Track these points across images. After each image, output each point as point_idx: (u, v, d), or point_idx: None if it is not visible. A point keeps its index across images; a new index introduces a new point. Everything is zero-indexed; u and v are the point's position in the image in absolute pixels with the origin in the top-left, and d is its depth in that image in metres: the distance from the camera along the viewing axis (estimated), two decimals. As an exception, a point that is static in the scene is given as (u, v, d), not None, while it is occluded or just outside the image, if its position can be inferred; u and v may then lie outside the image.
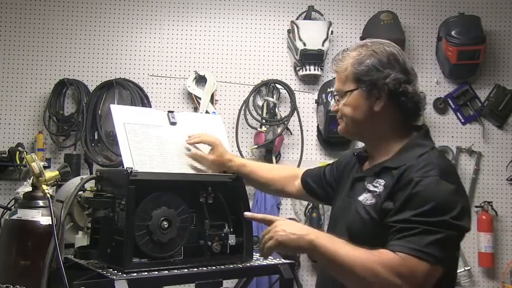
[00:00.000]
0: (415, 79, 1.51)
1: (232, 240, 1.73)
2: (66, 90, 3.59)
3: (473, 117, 3.82)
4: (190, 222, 1.71)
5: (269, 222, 1.50)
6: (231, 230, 1.74)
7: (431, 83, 3.84)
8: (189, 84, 3.64)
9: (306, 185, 1.89)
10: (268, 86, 3.67)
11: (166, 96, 3.69)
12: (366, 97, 1.50)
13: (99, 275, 1.56)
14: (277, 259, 1.89)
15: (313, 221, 3.52)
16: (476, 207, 3.71)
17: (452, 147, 3.68)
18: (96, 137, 3.48)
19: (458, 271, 3.64)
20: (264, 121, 3.62)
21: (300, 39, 3.55)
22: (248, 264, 1.82)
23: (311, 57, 3.60)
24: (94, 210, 1.68)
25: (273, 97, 3.66)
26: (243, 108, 3.63)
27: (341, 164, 1.78)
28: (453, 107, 3.82)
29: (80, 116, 3.48)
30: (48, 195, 1.59)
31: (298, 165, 3.55)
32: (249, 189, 3.43)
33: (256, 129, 3.62)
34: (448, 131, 3.80)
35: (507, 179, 3.78)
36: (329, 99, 3.47)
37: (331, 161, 1.92)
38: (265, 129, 3.60)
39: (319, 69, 3.63)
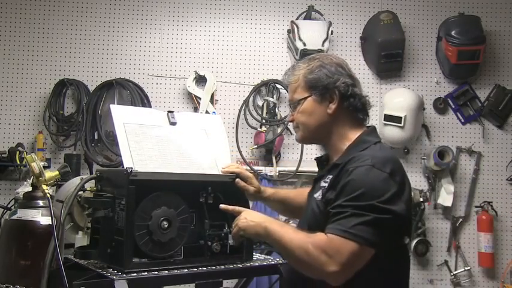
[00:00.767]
0: (358, 84, 1.69)
1: (232, 240, 1.74)
2: (66, 90, 3.59)
3: (473, 117, 3.82)
4: (190, 222, 1.71)
5: (238, 213, 1.70)
6: (231, 230, 1.74)
7: (431, 83, 3.84)
8: (189, 84, 3.64)
9: None
10: (268, 86, 3.67)
11: (166, 96, 3.69)
12: (319, 102, 1.65)
13: (99, 275, 1.56)
14: (277, 259, 1.90)
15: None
16: (476, 207, 3.71)
17: (452, 147, 3.68)
18: (96, 137, 3.48)
19: (458, 271, 3.67)
20: (264, 121, 3.62)
21: (300, 39, 3.55)
22: (248, 264, 1.82)
23: None
24: (94, 210, 1.68)
25: (273, 97, 3.66)
26: (243, 108, 3.63)
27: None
28: (453, 107, 3.82)
29: (80, 116, 3.48)
30: (48, 195, 1.59)
31: (298, 165, 3.55)
32: (249, 189, 3.44)
33: (256, 129, 3.62)
34: (448, 131, 3.81)
35: (507, 179, 3.78)
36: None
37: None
38: (265, 129, 3.60)
39: (319, 69, 3.63)
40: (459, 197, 3.75)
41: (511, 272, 3.67)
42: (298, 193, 2.02)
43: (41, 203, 1.66)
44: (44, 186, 1.61)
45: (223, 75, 3.73)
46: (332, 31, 3.62)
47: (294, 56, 3.66)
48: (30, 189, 1.72)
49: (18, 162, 3.32)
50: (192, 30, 3.75)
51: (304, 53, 3.52)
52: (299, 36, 3.56)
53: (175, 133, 1.88)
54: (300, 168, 3.55)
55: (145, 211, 1.62)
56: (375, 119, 3.71)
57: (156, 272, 1.61)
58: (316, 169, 1.82)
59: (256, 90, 3.66)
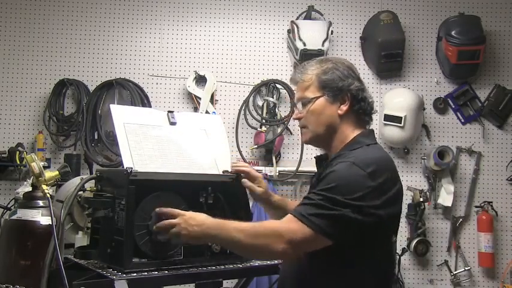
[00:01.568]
0: (365, 88, 1.74)
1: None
2: (66, 90, 3.59)
3: (473, 117, 3.82)
4: None
5: (174, 216, 1.60)
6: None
7: (431, 83, 3.84)
8: (189, 84, 3.64)
9: None
10: (268, 86, 3.67)
11: (166, 96, 3.69)
12: (330, 102, 1.67)
13: (99, 275, 1.56)
14: (277, 259, 1.90)
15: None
16: (476, 207, 3.71)
17: (452, 147, 3.68)
18: (96, 137, 3.48)
19: (458, 271, 3.66)
20: (264, 121, 3.62)
21: (300, 39, 3.55)
22: (248, 264, 1.82)
23: (311, 57, 3.48)
24: (94, 210, 1.68)
25: (273, 97, 3.66)
26: (243, 108, 3.63)
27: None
28: (453, 107, 3.82)
29: (80, 116, 3.48)
30: (48, 195, 1.59)
31: (298, 165, 3.55)
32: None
33: (256, 129, 3.62)
34: (448, 131, 3.81)
35: (507, 179, 3.78)
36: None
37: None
38: (265, 129, 3.60)
39: (319, 69, 3.63)
40: (459, 197, 3.75)
41: (511, 272, 3.67)
42: None
43: (41, 203, 1.66)
44: (44, 186, 1.61)
45: (223, 75, 3.73)
46: (332, 31, 3.62)
47: (294, 56, 3.66)
48: (30, 189, 1.72)
49: (18, 162, 3.32)
50: (192, 30, 3.75)
51: (304, 53, 3.52)
52: (299, 36, 3.55)
53: (175, 133, 1.88)
54: (300, 168, 3.55)
55: (145, 211, 1.62)
56: (375, 119, 3.71)
57: (156, 272, 1.61)
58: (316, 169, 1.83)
59: (256, 90, 3.66)
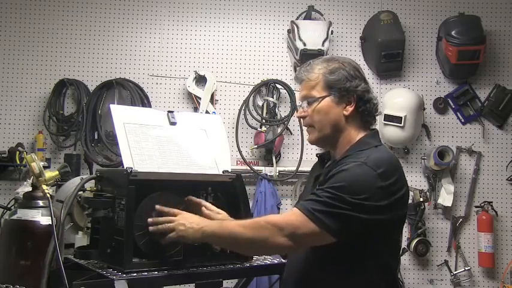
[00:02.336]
0: (371, 89, 1.75)
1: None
2: (66, 90, 3.59)
3: (473, 117, 3.82)
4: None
5: (174, 215, 1.62)
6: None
7: (431, 83, 3.84)
8: (189, 84, 3.64)
9: None
10: (268, 86, 3.67)
11: (166, 96, 3.69)
12: (336, 103, 1.66)
13: (99, 275, 1.56)
14: (277, 259, 1.90)
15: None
16: (476, 207, 3.71)
17: (452, 147, 3.68)
18: (96, 137, 3.48)
19: (458, 271, 3.66)
20: (264, 121, 3.62)
21: (300, 39, 3.55)
22: (248, 264, 1.82)
23: (311, 57, 3.46)
24: (94, 210, 1.68)
25: (273, 97, 3.66)
26: (243, 108, 3.63)
27: (309, 173, 1.91)
28: (453, 107, 3.82)
29: (80, 116, 3.48)
30: (48, 195, 1.59)
31: (298, 165, 3.55)
32: (249, 189, 3.45)
33: (256, 129, 3.62)
34: (448, 131, 3.80)
35: (507, 179, 3.78)
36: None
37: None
38: (265, 129, 3.60)
39: (319, 69, 3.63)
40: (459, 197, 3.75)
41: (511, 272, 3.67)
42: None
43: (41, 203, 1.66)
44: (44, 186, 1.61)
45: (223, 75, 3.73)
46: (332, 31, 3.62)
47: (294, 56, 3.66)
48: (30, 189, 1.72)
49: (18, 162, 3.32)
50: (192, 30, 3.75)
51: (304, 53, 3.52)
52: (299, 36, 3.55)
53: (175, 133, 1.88)
54: (300, 168, 3.55)
55: (145, 211, 1.62)
56: (375, 119, 3.72)
57: (156, 272, 1.61)
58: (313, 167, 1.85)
59: (256, 90, 3.66)
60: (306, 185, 1.91)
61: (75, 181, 2.05)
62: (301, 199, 1.83)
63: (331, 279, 1.57)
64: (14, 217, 1.64)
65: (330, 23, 3.64)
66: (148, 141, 1.78)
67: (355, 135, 1.67)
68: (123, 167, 1.66)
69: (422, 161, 3.72)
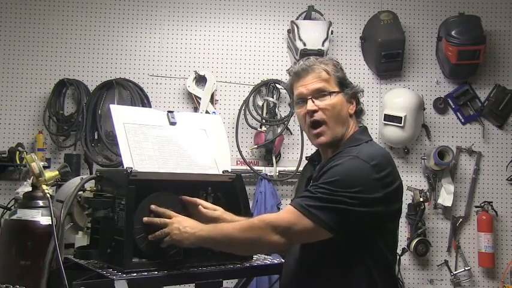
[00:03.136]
0: None
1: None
2: (66, 90, 3.59)
3: (473, 117, 3.82)
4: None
5: (168, 217, 1.62)
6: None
7: (431, 83, 3.83)
8: (189, 84, 3.64)
9: None
10: (268, 86, 3.67)
11: (166, 96, 3.69)
12: (346, 101, 1.67)
13: (99, 275, 1.56)
14: (277, 259, 1.90)
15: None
16: (476, 207, 3.71)
17: (452, 147, 3.68)
18: (96, 137, 3.48)
19: (458, 271, 3.66)
20: (264, 121, 3.62)
21: (300, 39, 3.55)
22: (248, 264, 1.82)
23: None
24: (94, 210, 1.68)
25: (273, 97, 3.66)
26: (243, 108, 3.63)
27: (299, 177, 1.93)
28: (453, 107, 3.82)
29: (80, 116, 3.48)
30: (48, 195, 1.59)
31: (298, 165, 3.55)
32: (249, 189, 3.45)
33: (256, 129, 3.62)
34: (448, 131, 3.80)
35: (507, 179, 3.78)
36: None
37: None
38: (265, 129, 3.60)
39: (319, 69, 3.63)
40: (459, 197, 3.75)
41: (511, 272, 3.67)
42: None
43: (41, 203, 1.66)
44: (44, 186, 1.61)
45: (223, 75, 3.73)
46: (332, 31, 3.62)
47: (294, 56, 3.66)
48: (30, 189, 1.72)
49: (18, 162, 3.32)
50: (192, 30, 3.75)
51: (304, 53, 3.51)
52: (299, 36, 3.55)
53: (175, 133, 1.88)
54: (300, 168, 3.55)
55: (144, 213, 1.61)
56: (375, 119, 3.72)
57: (156, 272, 1.61)
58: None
59: (256, 90, 3.66)
60: (297, 188, 1.90)
61: (75, 181, 2.05)
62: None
63: (330, 277, 1.57)
64: (14, 217, 1.64)
65: (330, 23, 3.64)
66: (148, 141, 1.78)
67: (351, 133, 1.68)
68: (123, 167, 1.66)
69: (422, 161, 3.72)
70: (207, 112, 3.57)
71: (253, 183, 3.61)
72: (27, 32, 3.64)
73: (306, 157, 1.84)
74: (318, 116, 1.63)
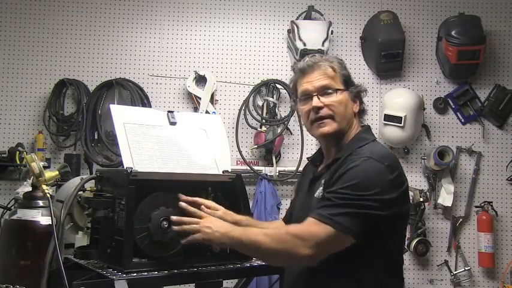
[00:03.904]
0: None
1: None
2: (66, 90, 3.59)
3: (473, 117, 3.82)
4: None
5: (199, 217, 1.60)
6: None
7: (431, 83, 3.83)
8: (189, 84, 3.64)
9: (287, 223, 1.85)
10: (268, 86, 3.67)
11: (166, 96, 3.69)
12: (351, 99, 1.67)
13: (99, 275, 1.56)
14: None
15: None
16: (476, 207, 3.71)
17: (452, 147, 3.68)
18: (96, 137, 3.48)
19: (458, 271, 3.66)
20: (264, 121, 3.62)
21: (300, 39, 3.55)
22: (248, 264, 1.82)
23: None
24: (94, 210, 1.68)
25: (273, 97, 3.66)
26: (243, 108, 3.63)
27: (300, 177, 1.90)
28: (453, 107, 3.82)
29: (80, 116, 3.48)
30: (48, 195, 1.59)
31: (298, 165, 3.54)
32: (249, 189, 3.45)
33: (256, 129, 3.62)
34: (448, 131, 3.80)
35: (507, 179, 3.78)
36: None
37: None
38: (265, 129, 3.60)
39: (319, 69, 3.63)
40: (459, 197, 3.75)
41: (511, 272, 3.67)
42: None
43: (41, 203, 1.66)
44: (44, 186, 1.61)
45: (223, 75, 3.73)
46: (332, 31, 3.62)
47: (294, 56, 3.66)
48: (30, 189, 1.72)
49: (18, 162, 3.31)
50: (192, 30, 3.75)
51: (304, 53, 3.51)
52: (299, 36, 3.55)
53: (175, 133, 1.88)
54: (300, 168, 3.55)
55: (144, 213, 1.61)
56: (375, 119, 3.72)
57: (156, 272, 1.61)
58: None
59: (256, 90, 3.66)
60: (298, 189, 1.87)
61: (75, 181, 2.05)
62: (296, 205, 1.81)
63: (339, 278, 1.55)
64: (14, 217, 1.64)
65: (330, 23, 3.64)
66: (148, 141, 1.78)
67: (354, 132, 1.68)
68: (123, 167, 1.66)
69: (422, 161, 3.72)
70: (207, 112, 3.57)
71: (253, 183, 3.62)
72: (27, 32, 3.64)
73: (307, 158, 1.83)
74: (324, 112, 1.63)
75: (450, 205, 3.65)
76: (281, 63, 3.78)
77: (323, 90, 1.63)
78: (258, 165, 3.62)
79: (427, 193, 3.64)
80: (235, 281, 2.14)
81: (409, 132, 3.54)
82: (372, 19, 3.74)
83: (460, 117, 3.82)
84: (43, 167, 1.65)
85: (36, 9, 3.66)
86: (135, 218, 1.59)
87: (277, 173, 3.59)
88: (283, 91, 3.66)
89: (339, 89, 1.64)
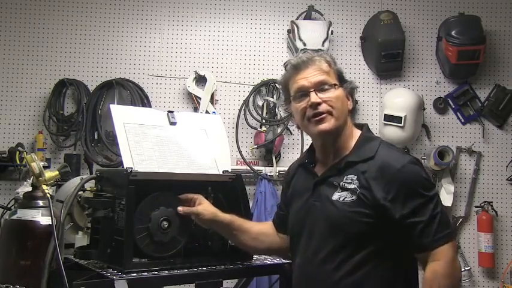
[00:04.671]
0: None
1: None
2: (66, 90, 3.59)
3: (473, 117, 3.82)
4: (190, 221, 1.71)
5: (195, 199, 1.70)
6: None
7: (431, 83, 3.83)
8: (189, 84, 3.64)
9: (277, 227, 1.84)
10: (268, 86, 3.67)
11: (166, 96, 3.69)
12: (345, 95, 1.63)
13: (99, 275, 1.56)
14: (278, 259, 1.90)
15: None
16: (476, 207, 3.71)
17: (452, 147, 3.67)
18: (96, 137, 3.47)
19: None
20: (264, 121, 3.62)
21: (300, 39, 3.55)
22: (248, 264, 1.82)
23: None
24: (94, 210, 1.68)
25: (273, 97, 3.66)
26: (243, 108, 3.63)
27: (289, 181, 1.81)
28: (453, 107, 3.82)
29: (80, 116, 3.48)
30: (48, 195, 1.59)
31: (298, 165, 3.54)
32: (249, 189, 3.45)
33: (256, 129, 3.62)
34: (448, 131, 3.80)
35: (507, 179, 3.78)
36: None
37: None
38: (265, 129, 3.60)
39: (319, 69, 3.63)
40: (459, 197, 3.74)
41: (511, 272, 3.67)
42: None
43: (41, 203, 1.66)
44: (44, 186, 1.61)
45: (223, 75, 3.73)
46: (332, 31, 3.62)
47: (294, 56, 3.66)
48: (30, 189, 1.72)
49: (18, 162, 3.31)
50: (192, 30, 3.75)
51: (304, 53, 3.51)
52: (299, 36, 3.55)
53: (175, 133, 1.88)
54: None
55: (144, 213, 1.62)
56: (375, 119, 3.72)
57: (156, 272, 1.61)
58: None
59: (256, 90, 3.66)
60: (293, 194, 1.74)
61: (75, 181, 2.05)
62: (293, 209, 1.72)
63: (372, 276, 1.54)
64: (14, 217, 1.64)
65: (330, 23, 3.64)
66: (148, 141, 1.78)
67: (353, 130, 1.66)
68: (123, 167, 1.66)
69: (423, 161, 3.72)
70: (207, 112, 3.57)
71: (253, 183, 3.61)
72: (27, 32, 3.64)
73: (299, 164, 1.75)
74: (323, 108, 1.57)
75: (450, 205, 3.65)
76: (281, 63, 3.75)
77: (320, 86, 1.58)
78: (258, 165, 3.62)
79: (427, 193, 3.63)
80: (235, 281, 2.14)
81: (409, 132, 3.54)
82: (372, 19, 3.74)
83: (460, 117, 3.82)
84: (43, 167, 1.65)
85: (36, 9, 3.66)
86: (135, 218, 1.59)
87: (277, 173, 3.59)
88: (283, 91, 3.65)
89: (336, 84, 1.60)
